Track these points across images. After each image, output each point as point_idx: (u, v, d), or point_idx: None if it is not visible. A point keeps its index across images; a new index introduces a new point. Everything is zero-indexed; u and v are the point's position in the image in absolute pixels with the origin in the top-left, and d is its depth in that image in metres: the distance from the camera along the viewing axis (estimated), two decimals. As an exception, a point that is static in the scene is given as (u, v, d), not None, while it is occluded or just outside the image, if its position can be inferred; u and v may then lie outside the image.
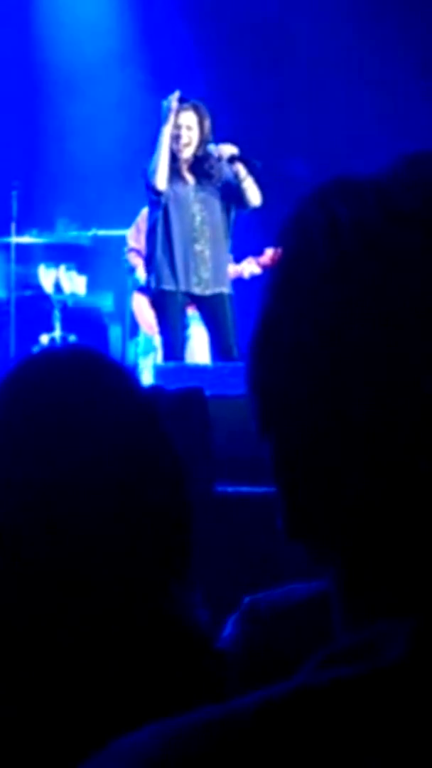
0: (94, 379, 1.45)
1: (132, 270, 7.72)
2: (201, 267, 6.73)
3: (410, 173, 0.77)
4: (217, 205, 6.80)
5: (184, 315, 6.88)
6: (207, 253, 6.74)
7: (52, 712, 1.31)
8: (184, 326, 6.98)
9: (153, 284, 6.78)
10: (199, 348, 7.83)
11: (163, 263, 6.71)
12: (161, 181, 6.66)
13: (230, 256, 7.27)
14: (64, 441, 1.39)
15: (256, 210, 6.94)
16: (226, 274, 6.89)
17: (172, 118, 6.65)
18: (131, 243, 7.65)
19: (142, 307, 7.72)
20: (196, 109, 6.77)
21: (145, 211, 7.35)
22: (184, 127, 6.71)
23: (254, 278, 7.64)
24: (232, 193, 6.79)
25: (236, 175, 6.73)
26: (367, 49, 9.08)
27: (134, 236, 7.63)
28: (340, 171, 0.80)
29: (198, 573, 1.47)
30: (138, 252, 7.57)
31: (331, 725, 0.65)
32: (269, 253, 7.50)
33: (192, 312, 7.77)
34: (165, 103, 6.70)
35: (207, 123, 6.77)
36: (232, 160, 6.74)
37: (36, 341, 7.95)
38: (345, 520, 0.75)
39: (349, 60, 9.09)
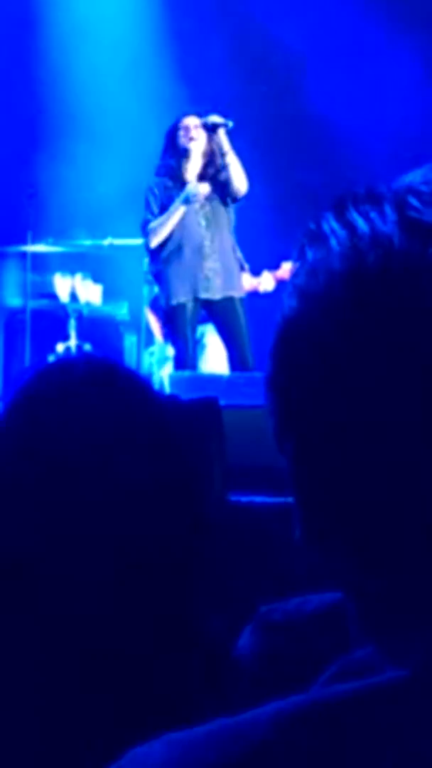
0: (110, 390, 1.46)
1: (152, 282, 7.73)
2: (209, 274, 6.76)
3: (428, 184, 0.77)
4: (221, 213, 6.85)
5: (195, 325, 6.90)
6: (217, 265, 6.78)
7: (66, 722, 1.31)
8: (195, 338, 7.00)
9: (164, 301, 6.81)
10: (214, 357, 7.83)
11: (173, 279, 6.75)
12: (156, 243, 6.77)
13: (240, 255, 7.29)
14: (79, 451, 1.39)
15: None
16: (236, 279, 6.91)
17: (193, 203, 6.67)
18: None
19: (154, 317, 7.73)
20: (198, 115, 6.87)
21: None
22: (191, 126, 6.79)
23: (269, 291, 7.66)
24: (221, 186, 6.82)
25: (220, 148, 6.77)
26: (384, 59, 9.08)
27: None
28: (357, 183, 0.80)
29: (212, 583, 1.47)
30: None
31: (345, 738, 0.65)
32: (285, 267, 7.51)
33: (206, 323, 7.77)
34: (191, 189, 6.72)
35: (222, 131, 6.82)
36: (214, 128, 6.79)
37: (51, 350, 7.95)
38: (363, 532, 0.75)
39: (366, 71, 9.09)
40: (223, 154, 6.82)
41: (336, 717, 0.66)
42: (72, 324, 8.14)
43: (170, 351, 7.72)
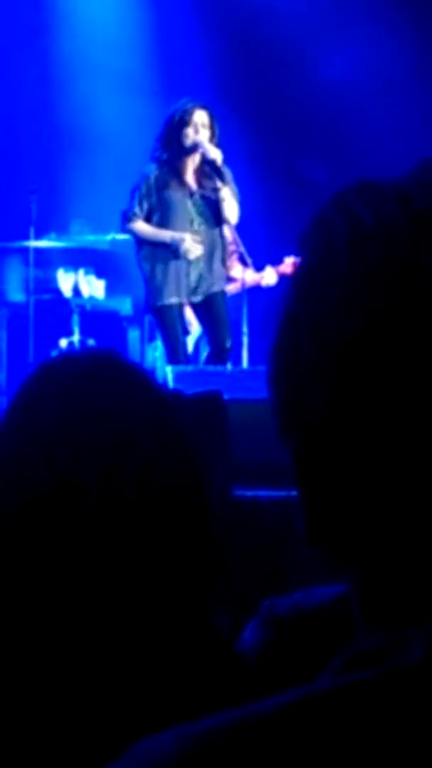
0: (113, 383, 1.46)
1: None
2: (193, 276, 6.78)
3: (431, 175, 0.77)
4: (211, 212, 6.82)
5: (183, 324, 6.90)
6: (204, 268, 6.79)
7: (72, 714, 1.32)
8: (185, 332, 7.01)
9: (151, 300, 6.82)
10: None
11: (161, 279, 6.76)
12: (129, 231, 6.82)
13: (243, 250, 7.30)
14: (83, 445, 1.39)
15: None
16: (219, 275, 6.93)
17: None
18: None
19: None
20: (207, 108, 6.80)
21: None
22: (200, 125, 6.72)
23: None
24: (214, 202, 6.85)
25: (213, 183, 6.77)
26: (387, 52, 9.07)
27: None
28: (359, 175, 0.80)
29: (216, 576, 1.47)
30: None
31: (353, 727, 0.65)
32: (288, 261, 7.51)
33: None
34: (182, 244, 6.70)
35: (216, 124, 6.80)
36: (210, 164, 6.77)
37: (55, 345, 7.95)
38: (367, 525, 0.75)
39: (369, 62, 9.08)
40: (216, 189, 6.79)
41: (342, 708, 0.66)
42: (75, 319, 8.15)
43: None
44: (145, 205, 6.81)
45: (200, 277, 6.80)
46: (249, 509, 3.91)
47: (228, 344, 6.85)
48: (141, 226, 6.80)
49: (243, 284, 7.75)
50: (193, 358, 7.81)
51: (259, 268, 7.79)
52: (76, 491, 1.38)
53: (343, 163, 8.32)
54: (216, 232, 6.86)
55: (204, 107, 6.79)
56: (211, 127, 6.78)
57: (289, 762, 0.65)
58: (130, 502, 1.38)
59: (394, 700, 0.66)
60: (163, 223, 6.76)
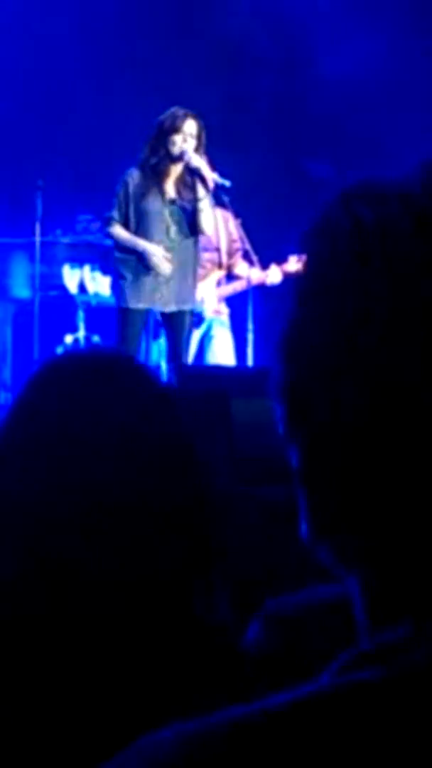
0: (118, 382, 1.46)
1: None
2: (162, 287, 6.79)
3: None
4: (188, 224, 6.83)
5: (145, 329, 6.93)
6: (174, 278, 6.80)
7: (74, 712, 1.32)
8: (142, 339, 7.04)
9: (119, 302, 6.84)
10: (221, 349, 7.84)
11: (131, 282, 6.78)
12: (108, 234, 6.87)
13: (249, 248, 7.32)
14: (87, 444, 1.40)
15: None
16: (190, 291, 6.95)
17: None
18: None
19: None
20: (196, 118, 6.80)
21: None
22: (188, 134, 6.73)
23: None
24: (192, 212, 6.87)
25: (195, 192, 6.77)
26: (392, 50, 9.07)
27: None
28: (365, 173, 0.80)
29: (220, 575, 1.47)
30: None
31: (357, 727, 0.65)
32: (293, 260, 7.51)
33: (213, 315, 7.78)
34: (154, 260, 6.74)
35: (204, 135, 6.80)
36: (196, 173, 6.77)
37: (60, 341, 7.96)
38: (369, 524, 0.75)
39: (374, 60, 9.07)
40: (198, 199, 6.81)
41: (347, 707, 0.66)
42: (80, 315, 8.16)
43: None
44: (124, 210, 6.83)
45: (172, 289, 6.82)
46: (252, 507, 3.91)
47: (184, 359, 6.91)
48: (119, 231, 6.83)
49: (248, 282, 7.75)
50: (198, 357, 7.82)
51: (264, 266, 7.79)
52: (79, 488, 1.38)
53: (348, 162, 8.32)
54: (191, 242, 6.90)
55: (195, 116, 6.79)
56: (199, 138, 6.79)
57: (292, 761, 0.65)
58: (132, 500, 1.39)
59: (397, 699, 0.67)
60: (139, 230, 6.78)
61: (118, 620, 1.36)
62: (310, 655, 0.94)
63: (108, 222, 6.89)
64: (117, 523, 1.38)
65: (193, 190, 6.79)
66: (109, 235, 6.92)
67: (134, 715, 1.30)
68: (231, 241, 7.87)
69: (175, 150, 6.71)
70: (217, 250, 7.86)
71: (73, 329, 8.11)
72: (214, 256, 7.86)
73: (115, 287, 7.00)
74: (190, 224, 6.84)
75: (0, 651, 1.36)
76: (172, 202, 6.81)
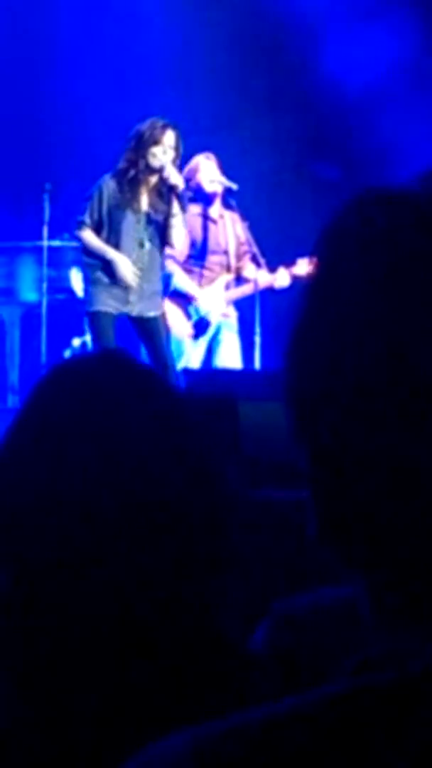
0: (126, 385, 1.46)
1: (168, 276, 7.73)
2: (134, 299, 6.81)
3: None
4: (157, 234, 6.86)
5: (114, 331, 6.94)
6: (143, 285, 6.84)
7: (82, 716, 1.32)
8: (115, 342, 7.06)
9: (90, 306, 6.85)
10: (228, 353, 7.84)
11: (100, 286, 6.79)
12: (78, 238, 6.92)
13: (256, 251, 7.37)
14: (97, 448, 1.40)
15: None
16: (157, 299, 7.00)
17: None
18: (168, 250, 7.66)
19: (172, 311, 7.74)
20: (175, 129, 6.81)
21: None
22: (168, 146, 6.74)
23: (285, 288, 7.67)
24: (164, 230, 6.90)
25: (169, 207, 6.78)
26: (400, 51, 9.06)
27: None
28: (373, 176, 0.81)
29: (228, 577, 1.47)
30: (174, 258, 7.60)
31: (364, 732, 0.66)
32: (301, 263, 7.51)
33: (221, 318, 7.78)
34: (123, 272, 6.78)
35: (181, 145, 6.81)
36: (172, 189, 6.78)
37: (68, 345, 7.96)
38: (378, 526, 0.75)
39: (382, 62, 9.07)
40: (172, 215, 6.83)
41: (354, 711, 0.67)
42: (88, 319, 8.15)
43: (187, 345, 7.73)
44: (96, 217, 6.85)
45: (137, 296, 6.86)
46: (260, 510, 3.91)
47: (170, 366, 6.92)
48: (89, 237, 6.85)
49: (256, 285, 7.75)
50: (206, 360, 7.82)
51: (272, 269, 7.79)
52: (87, 492, 1.38)
53: (356, 165, 8.31)
54: (158, 255, 6.94)
55: (174, 128, 6.80)
56: (177, 149, 6.80)
57: (304, 763, 0.65)
58: (141, 502, 1.39)
59: (405, 703, 0.67)
60: (110, 239, 6.81)
61: (128, 621, 1.36)
62: (316, 657, 0.94)
63: (79, 226, 6.92)
64: (123, 527, 1.38)
65: (168, 203, 6.80)
66: (79, 239, 6.95)
67: (144, 719, 1.31)
68: (239, 244, 7.87)
69: (155, 162, 6.72)
70: (226, 253, 7.86)
71: (81, 333, 8.11)
72: (222, 259, 7.86)
73: (85, 290, 7.02)
74: (161, 235, 6.87)
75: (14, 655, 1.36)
76: (144, 213, 6.83)
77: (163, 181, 6.79)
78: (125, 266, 6.78)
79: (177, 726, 0.70)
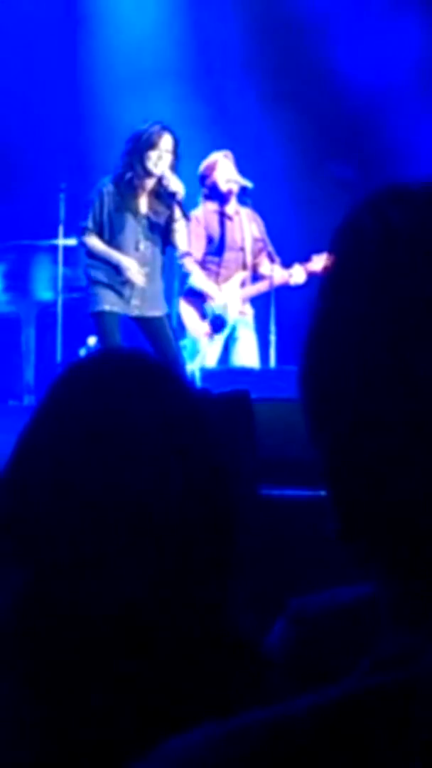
0: (142, 383, 1.46)
1: (186, 275, 7.74)
2: (133, 294, 6.82)
3: None
4: (158, 237, 6.87)
5: (119, 330, 6.96)
6: (145, 286, 6.84)
7: (99, 714, 1.32)
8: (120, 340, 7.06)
9: (94, 307, 6.86)
10: (245, 351, 7.84)
11: (104, 285, 6.81)
12: (84, 244, 6.95)
13: (271, 249, 7.39)
14: (112, 446, 1.40)
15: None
16: (158, 301, 7.00)
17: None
18: (186, 248, 7.66)
19: (188, 311, 7.74)
20: (172, 133, 6.81)
21: (197, 214, 7.44)
22: (164, 150, 6.75)
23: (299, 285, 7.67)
24: (167, 233, 6.92)
25: (171, 213, 6.78)
26: (417, 50, 9.05)
27: (189, 240, 7.64)
28: (389, 173, 0.80)
29: (243, 576, 1.47)
30: (192, 256, 7.62)
31: (381, 729, 0.65)
32: (316, 259, 7.50)
33: (237, 316, 7.78)
34: (127, 269, 6.82)
35: (178, 148, 6.82)
36: (173, 196, 6.79)
37: (83, 344, 7.97)
38: (398, 524, 0.75)
39: (399, 60, 9.06)
40: (174, 220, 6.84)
41: (371, 709, 0.66)
42: (103, 318, 8.15)
43: (203, 344, 7.74)
44: (98, 220, 6.90)
45: (137, 297, 6.89)
46: (275, 508, 3.91)
47: (180, 362, 6.94)
48: (94, 242, 6.90)
49: (271, 282, 7.75)
50: (223, 358, 7.82)
51: (287, 266, 7.79)
52: (102, 491, 1.38)
53: (372, 162, 8.30)
54: (159, 256, 6.97)
55: (171, 132, 6.81)
56: (174, 153, 6.81)
57: (319, 763, 0.65)
58: (157, 497, 1.39)
59: (423, 701, 0.66)
60: (111, 242, 6.85)
61: (137, 622, 1.36)
62: (332, 656, 0.94)
63: (83, 232, 6.96)
64: (138, 524, 1.38)
65: (169, 208, 6.81)
66: (85, 245, 6.98)
67: (159, 717, 1.30)
68: (255, 241, 7.86)
69: (150, 165, 6.75)
70: (242, 250, 7.86)
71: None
72: (238, 256, 7.86)
73: (88, 291, 7.03)
74: (162, 237, 6.89)
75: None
76: (143, 216, 6.85)
77: (162, 185, 6.81)
78: (132, 268, 6.81)
79: (190, 726, 0.70)
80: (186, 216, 6.91)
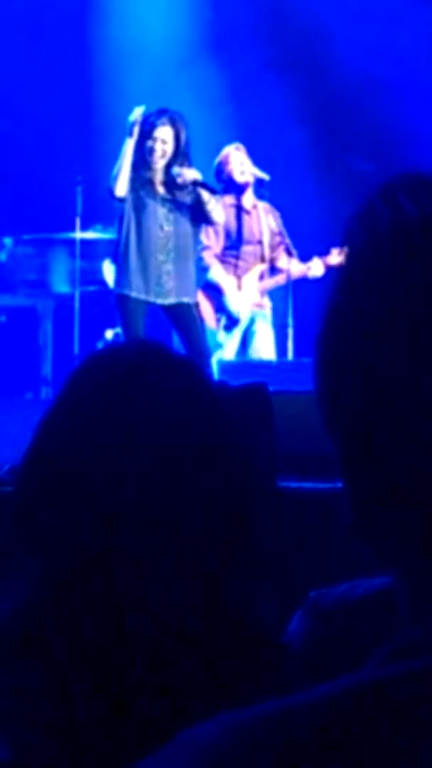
0: (160, 375, 1.46)
1: (205, 269, 7.73)
2: (163, 277, 6.79)
3: None
4: (185, 217, 6.85)
5: (144, 319, 6.92)
6: (169, 264, 6.79)
7: (116, 703, 1.32)
8: (144, 329, 7.02)
9: (118, 288, 6.84)
10: (263, 344, 7.84)
11: (130, 269, 6.78)
12: (120, 188, 6.83)
13: (288, 241, 7.40)
14: (130, 437, 1.40)
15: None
16: (190, 285, 6.96)
17: (135, 131, 6.79)
18: (205, 241, 7.66)
19: (205, 303, 7.74)
20: (173, 123, 6.79)
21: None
22: (160, 141, 6.75)
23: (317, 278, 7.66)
24: (199, 212, 6.89)
25: (199, 199, 6.78)
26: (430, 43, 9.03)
27: (207, 234, 7.63)
28: (406, 166, 0.80)
29: (261, 568, 1.47)
30: (211, 250, 7.62)
31: (399, 718, 0.66)
32: (335, 252, 7.49)
33: (257, 309, 7.77)
34: (130, 118, 6.81)
35: (183, 136, 6.82)
36: (194, 184, 6.79)
37: (100, 337, 7.98)
38: (412, 516, 0.75)
39: (413, 54, 9.03)
40: (205, 202, 6.84)
41: (389, 697, 0.67)
42: (121, 310, 8.16)
43: (221, 337, 7.73)
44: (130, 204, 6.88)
45: (170, 279, 6.83)
46: (293, 500, 3.91)
47: (207, 355, 6.91)
48: (114, 173, 6.85)
49: (288, 275, 7.74)
50: (240, 351, 7.81)
51: (305, 259, 7.78)
52: (121, 482, 1.38)
53: (389, 155, 8.28)
54: (189, 232, 6.93)
55: (172, 121, 6.79)
56: (177, 139, 6.79)
57: (336, 751, 0.65)
58: (175, 489, 1.39)
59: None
60: (138, 224, 6.82)
61: (153, 613, 1.36)
62: (350, 647, 0.94)
63: (111, 182, 6.88)
64: (154, 516, 1.38)
65: (196, 194, 6.84)
66: (113, 195, 6.89)
67: (178, 706, 1.31)
68: (273, 234, 7.86)
69: (146, 155, 6.78)
70: (260, 243, 7.85)
71: (114, 324, 8.12)
72: (256, 249, 7.86)
73: (118, 268, 6.99)
74: (191, 217, 6.86)
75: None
76: (168, 200, 6.84)
77: (169, 174, 6.82)
78: (130, 118, 6.79)
79: (210, 714, 0.70)
80: (214, 192, 6.90)
